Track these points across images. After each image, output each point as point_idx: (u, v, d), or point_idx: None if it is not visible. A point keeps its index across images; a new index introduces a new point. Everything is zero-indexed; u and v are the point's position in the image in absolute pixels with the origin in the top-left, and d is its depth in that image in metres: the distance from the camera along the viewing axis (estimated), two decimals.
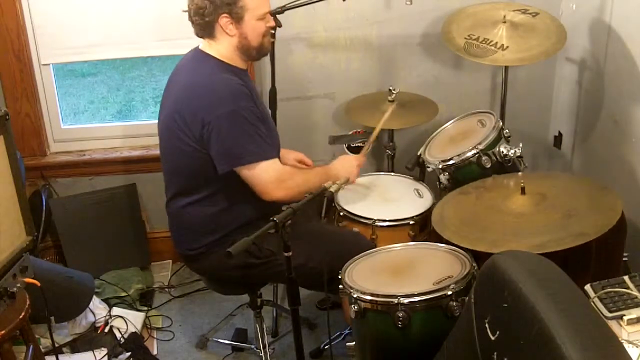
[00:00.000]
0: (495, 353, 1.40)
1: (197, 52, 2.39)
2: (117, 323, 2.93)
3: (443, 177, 2.59)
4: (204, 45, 2.37)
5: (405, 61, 3.34)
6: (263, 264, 2.34)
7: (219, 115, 2.20)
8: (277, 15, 2.65)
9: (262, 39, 2.36)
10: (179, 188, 2.39)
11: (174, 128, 2.29)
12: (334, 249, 2.25)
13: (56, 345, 2.69)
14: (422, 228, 2.56)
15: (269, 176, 2.26)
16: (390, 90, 3.03)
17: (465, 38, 2.83)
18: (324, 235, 2.45)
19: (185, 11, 2.32)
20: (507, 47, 2.74)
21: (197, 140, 2.24)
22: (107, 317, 2.95)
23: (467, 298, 1.69)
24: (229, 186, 2.30)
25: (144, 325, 3.04)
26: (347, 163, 2.53)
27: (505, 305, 1.38)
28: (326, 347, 2.77)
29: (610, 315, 1.83)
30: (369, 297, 1.98)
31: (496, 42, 2.76)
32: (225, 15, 2.26)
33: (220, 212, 2.35)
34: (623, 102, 2.81)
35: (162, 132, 2.42)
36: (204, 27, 2.30)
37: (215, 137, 2.21)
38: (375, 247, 2.35)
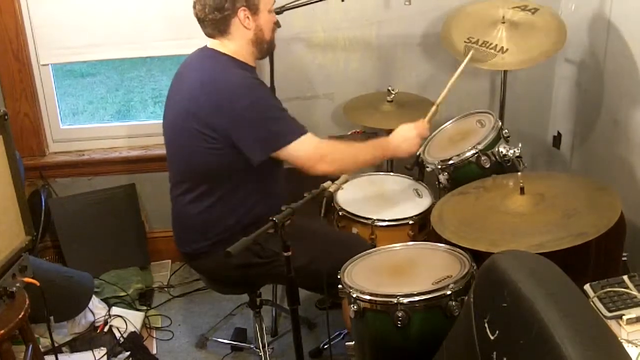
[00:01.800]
0: (494, 353, 1.40)
1: (206, 50, 2.37)
2: (116, 323, 2.93)
3: (442, 177, 2.59)
4: (214, 44, 2.35)
5: (404, 61, 3.34)
6: (266, 264, 2.34)
7: (239, 107, 2.20)
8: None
9: (272, 33, 2.39)
10: (187, 186, 2.38)
11: (189, 126, 2.27)
12: (336, 252, 2.24)
13: (55, 344, 2.69)
14: (421, 228, 2.57)
15: (308, 151, 2.27)
16: (389, 90, 3.04)
17: (465, 42, 2.82)
18: (326, 237, 2.44)
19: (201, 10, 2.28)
20: (507, 49, 2.73)
21: (217, 138, 2.23)
22: (107, 317, 2.95)
23: (466, 298, 1.69)
24: (239, 187, 2.29)
25: (143, 324, 3.04)
26: (407, 134, 2.48)
27: (505, 305, 1.38)
28: (325, 346, 2.78)
29: (609, 315, 1.83)
30: (368, 297, 1.98)
31: (496, 45, 2.76)
32: (243, 7, 2.27)
33: (228, 213, 2.33)
34: (622, 102, 2.81)
35: (172, 130, 2.40)
36: (220, 23, 2.28)
37: (244, 130, 2.22)
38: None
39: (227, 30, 2.30)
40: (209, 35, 2.34)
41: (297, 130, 2.27)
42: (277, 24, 2.44)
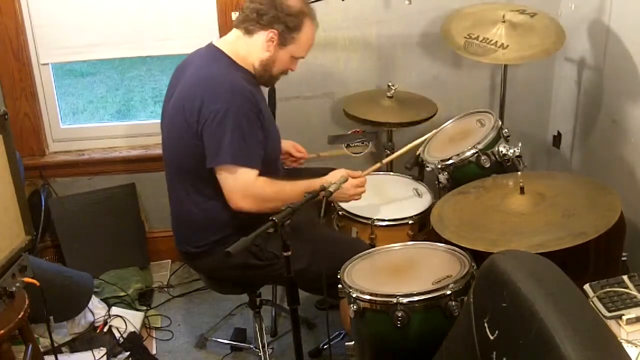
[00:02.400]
0: (494, 353, 1.40)
1: (210, 48, 2.37)
2: (116, 323, 2.93)
3: (442, 177, 2.58)
4: (225, 39, 2.35)
5: (404, 61, 3.34)
6: (265, 266, 2.33)
7: (213, 109, 2.18)
8: None
9: (280, 73, 2.39)
10: (184, 184, 2.37)
11: (179, 122, 2.27)
12: (337, 255, 2.24)
13: (55, 344, 2.69)
14: (421, 228, 2.56)
15: (237, 184, 2.21)
16: (389, 86, 3.04)
17: (465, 37, 2.83)
18: (327, 240, 2.43)
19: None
20: (507, 45, 2.74)
21: (195, 133, 2.23)
22: (106, 317, 2.95)
23: (466, 298, 1.69)
24: None
25: (143, 324, 3.04)
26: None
27: (504, 305, 1.38)
28: (325, 346, 2.78)
29: (609, 315, 1.83)
30: (367, 297, 1.98)
31: (496, 41, 2.77)
32: (275, 32, 2.26)
33: (225, 211, 2.32)
34: (622, 102, 2.81)
35: (166, 126, 2.40)
36: (250, 24, 2.28)
37: (206, 130, 2.20)
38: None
39: (251, 34, 2.30)
40: (235, 25, 2.34)
41: (245, 159, 2.21)
42: (286, 72, 2.43)
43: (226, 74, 2.27)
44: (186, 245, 2.44)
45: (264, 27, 2.27)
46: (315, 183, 2.26)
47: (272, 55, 2.31)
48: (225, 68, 2.29)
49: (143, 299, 3.21)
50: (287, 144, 2.74)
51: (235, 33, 2.34)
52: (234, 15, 3.08)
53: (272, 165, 2.40)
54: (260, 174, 2.28)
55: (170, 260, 3.53)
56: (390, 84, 3.04)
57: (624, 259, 2.25)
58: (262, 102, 2.35)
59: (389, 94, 3.05)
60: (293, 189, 2.26)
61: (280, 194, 2.24)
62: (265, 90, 2.87)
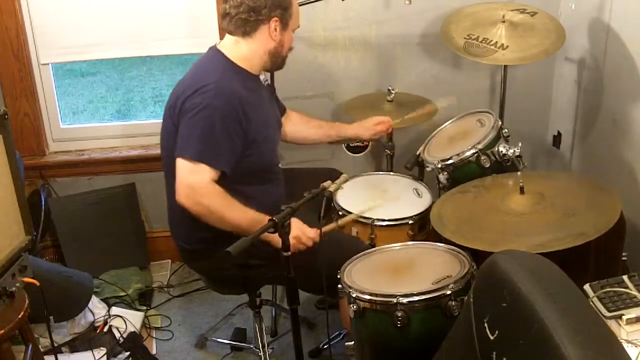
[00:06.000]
0: (494, 353, 1.40)
1: (211, 51, 2.36)
2: (116, 322, 2.93)
3: (442, 177, 2.59)
4: (224, 44, 2.34)
5: (404, 61, 3.34)
6: (265, 266, 2.33)
7: (194, 102, 2.18)
8: None
9: (288, 52, 2.39)
10: (173, 182, 2.37)
11: (169, 118, 2.28)
12: (337, 255, 2.24)
13: (55, 344, 2.69)
14: (421, 228, 2.56)
15: (189, 178, 2.17)
16: (389, 90, 3.04)
17: (465, 38, 2.83)
18: (327, 240, 2.42)
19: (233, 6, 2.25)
20: (507, 46, 2.74)
21: (176, 127, 2.24)
22: (106, 317, 2.95)
23: (466, 297, 1.69)
24: (230, 183, 2.28)
25: (143, 324, 3.04)
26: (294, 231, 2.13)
27: (505, 304, 1.38)
28: (325, 346, 2.78)
29: (609, 314, 1.83)
30: (367, 297, 1.98)
31: (496, 42, 2.77)
32: (277, 18, 2.26)
33: None
34: (622, 102, 2.81)
35: (162, 124, 2.39)
36: (248, 24, 2.26)
37: (182, 120, 2.20)
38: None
39: (252, 33, 2.28)
40: (229, 32, 2.32)
41: (210, 157, 2.17)
42: (291, 48, 2.43)
43: (217, 74, 2.26)
44: (179, 241, 2.44)
45: (265, 20, 2.26)
46: (264, 218, 2.05)
47: (279, 41, 2.32)
48: (219, 68, 2.28)
49: (143, 299, 3.21)
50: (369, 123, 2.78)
51: (231, 38, 2.32)
52: None
53: (265, 171, 2.40)
54: (246, 181, 2.28)
55: (170, 260, 3.53)
56: (390, 88, 3.04)
57: (624, 259, 2.25)
58: (256, 108, 2.31)
59: (389, 98, 3.05)
60: (242, 213, 2.18)
61: (227, 210, 2.17)
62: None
